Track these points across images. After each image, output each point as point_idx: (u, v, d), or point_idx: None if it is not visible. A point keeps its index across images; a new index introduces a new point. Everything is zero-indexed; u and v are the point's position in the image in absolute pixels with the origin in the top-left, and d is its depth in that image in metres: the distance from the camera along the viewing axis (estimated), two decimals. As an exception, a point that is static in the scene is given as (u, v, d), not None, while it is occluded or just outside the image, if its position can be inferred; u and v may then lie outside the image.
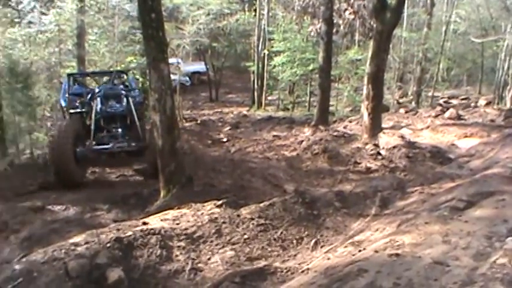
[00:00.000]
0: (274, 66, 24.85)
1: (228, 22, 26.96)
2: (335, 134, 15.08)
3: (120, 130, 12.10)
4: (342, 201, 7.38)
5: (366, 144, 13.80)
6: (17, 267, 5.73)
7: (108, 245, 5.81)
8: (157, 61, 9.09)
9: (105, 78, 15.26)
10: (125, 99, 12.37)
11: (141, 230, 6.11)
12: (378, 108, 13.88)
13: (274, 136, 17.09)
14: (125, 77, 14.60)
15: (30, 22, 22.72)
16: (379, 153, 13.23)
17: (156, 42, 9.07)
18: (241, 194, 9.89)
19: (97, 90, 12.69)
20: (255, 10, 26.99)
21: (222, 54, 32.22)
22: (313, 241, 6.20)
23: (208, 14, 24.33)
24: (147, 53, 9.35)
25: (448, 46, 26.24)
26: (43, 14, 23.46)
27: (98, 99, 12.20)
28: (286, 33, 23.94)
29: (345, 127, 16.78)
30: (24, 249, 8.72)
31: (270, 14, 26.61)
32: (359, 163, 12.98)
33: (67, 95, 12.96)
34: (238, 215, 6.54)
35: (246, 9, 28.70)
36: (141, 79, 21.52)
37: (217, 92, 31.29)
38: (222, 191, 10.09)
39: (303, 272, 5.28)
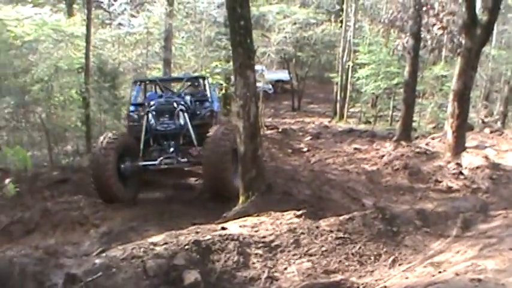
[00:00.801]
0: (358, 78, 24.68)
1: (314, 32, 27.01)
2: (417, 150, 14.80)
3: (171, 146, 11.52)
4: (423, 219, 7.23)
5: (449, 162, 13.49)
6: (97, 261, 5.91)
7: (187, 247, 5.92)
8: (244, 67, 9.22)
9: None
10: (181, 115, 11.64)
11: (220, 235, 6.20)
12: (462, 127, 13.56)
13: (355, 149, 16.95)
14: (202, 82, 13.59)
15: (120, 24, 23.53)
16: (461, 173, 12.91)
17: (244, 49, 9.19)
18: (320, 205, 9.87)
19: (152, 103, 11.96)
20: (341, 21, 26.92)
21: (306, 64, 32.28)
22: (391, 258, 6.12)
23: (295, 24, 24.47)
24: (234, 59, 9.47)
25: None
26: (133, 16, 24.25)
27: (150, 114, 11.57)
28: (371, 46, 23.75)
29: (427, 144, 16.45)
30: (103, 244, 9.04)
31: (356, 25, 26.45)
32: (440, 181, 12.71)
33: (131, 104, 13.00)
34: (317, 227, 6.52)
35: (332, 19, 28.59)
36: (224, 84, 21.86)
37: (299, 101, 31.37)
38: (300, 201, 10.09)
39: (379, 289, 5.23)
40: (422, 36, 15.26)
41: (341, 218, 6.85)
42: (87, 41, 15.95)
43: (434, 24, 15.24)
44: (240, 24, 9.08)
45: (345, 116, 26.40)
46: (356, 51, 25.24)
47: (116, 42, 21.40)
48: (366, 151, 16.52)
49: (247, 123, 9.42)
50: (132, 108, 13.02)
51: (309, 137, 19.93)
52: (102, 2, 24.73)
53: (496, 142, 16.67)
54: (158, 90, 13.78)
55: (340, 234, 6.42)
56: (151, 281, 5.46)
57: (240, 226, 6.75)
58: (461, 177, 12.77)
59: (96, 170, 10.51)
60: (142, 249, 5.93)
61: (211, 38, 22.22)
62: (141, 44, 21.38)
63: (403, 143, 15.54)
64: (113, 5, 24.56)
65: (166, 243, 6.05)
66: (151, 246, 5.99)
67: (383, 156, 14.90)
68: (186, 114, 11.66)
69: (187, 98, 12.64)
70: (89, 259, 6.38)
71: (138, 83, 13.86)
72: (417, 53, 15.19)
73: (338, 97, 26.95)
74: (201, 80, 13.82)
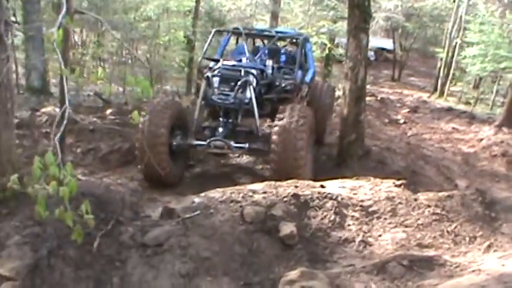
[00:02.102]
0: (465, 57, 23.88)
1: (425, 3, 26.31)
2: (519, 138, 14.35)
3: (225, 125, 9.64)
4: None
5: (553, 154, 13.01)
6: (196, 200, 6.14)
7: (285, 199, 6.05)
8: (358, 29, 9.23)
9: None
10: (247, 87, 9.65)
11: (319, 192, 6.29)
12: None
13: (452, 128, 16.61)
14: (301, 43, 11.20)
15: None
16: None
17: (361, 11, 9.18)
18: (412, 178, 9.80)
19: (216, 66, 10.11)
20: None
21: (412, 35, 31.54)
22: (487, 243, 6.01)
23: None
24: (349, 20, 9.46)
25: None
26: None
27: (209, 80, 9.70)
28: (483, 25, 22.83)
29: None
30: (196, 186, 9.33)
31: (471, 2, 25.49)
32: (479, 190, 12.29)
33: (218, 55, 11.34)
34: (416, 199, 6.48)
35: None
36: (328, 45, 21.70)
37: (400, 72, 30.89)
38: (394, 171, 10.07)
39: (473, 271, 5.15)
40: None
41: (440, 194, 6.76)
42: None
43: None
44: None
45: (445, 93, 25.73)
46: (466, 29, 24.38)
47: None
48: (464, 132, 16.14)
49: (354, 86, 9.45)
50: (211, 64, 10.84)
51: (407, 110, 19.63)
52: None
53: None
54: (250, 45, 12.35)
55: (438, 210, 6.35)
56: (247, 227, 5.63)
57: (339, 187, 6.80)
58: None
59: (146, 143, 8.61)
60: (241, 195, 6.11)
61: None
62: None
63: (505, 129, 15.04)
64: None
65: (265, 192, 6.21)
66: (250, 193, 6.17)
67: (482, 139, 14.54)
68: (252, 87, 9.69)
69: (269, 63, 10.91)
70: (187, 198, 6.62)
71: (224, 33, 12.49)
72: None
73: (440, 73, 26.27)
74: (300, 41, 11.36)
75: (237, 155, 10.94)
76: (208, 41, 11.36)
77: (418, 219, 6.15)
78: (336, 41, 23.63)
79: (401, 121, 17.16)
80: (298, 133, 8.71)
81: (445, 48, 26.22)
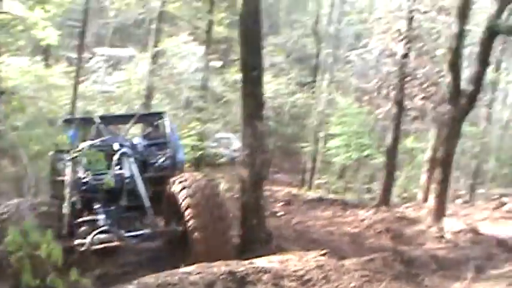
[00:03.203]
0: (329, 149, 25.18)
1: (285, 102, 27.66)
2: (397, 215, 15.13)
3: (107, 212, 8.26)
4: (437, 263, 7.49)
5: (430, 227, 13.79)
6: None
7: (222, 276, 5.98)
8: (252, 118, 9.44)
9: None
10: (125, 162, 8.72)
11: (253, 267, 6.30)
12: (444, 193, 13.98)
13: (332, 214, 17.17)
14: (161, 121, 10.51)
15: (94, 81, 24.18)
16: (442, 236, 13.21)
17: (255, 99, 9.45)
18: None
19: (81, 145, 8.24)
20: (313, 92, 27.68)
21: (275, 133, 32.74)
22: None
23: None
24: (243, 108, 9.67)
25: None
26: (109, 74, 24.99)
27: (76, 163, 8.38)
28: (343, 117, 24.39)
29: (402, 211, 16.84)
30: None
31: (330, 96, 27.19)
32: (423, 244, 12.98)
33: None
34: (343, 265, 6.68)
35: (304, 90, 29.20)
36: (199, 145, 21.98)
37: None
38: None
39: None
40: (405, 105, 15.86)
41: (362, 259, 7.03)
42: (75, 91, 16.11)
43: (416, 95, 15.88)
44: (252, 74, 9.36)
45: (313, 185, 26.73)
46: (327, 122, 25.86)
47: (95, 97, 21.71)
48: (343, 216, 16.74)
49: (252, 172, 9.59)
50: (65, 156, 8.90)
51: (281, 203, 20.05)
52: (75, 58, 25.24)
53: (469, 212, 17.17)
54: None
55: (366, 273, 6.58)
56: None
57: (269, 261, 6.85)
58: (443, 240, 13.07)
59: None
60: (176, 277, 5.97)
61: (189, 100, 22.54)
62: (120, 102, 21.66)
63: (383, 207, 15.86)
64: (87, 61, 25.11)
65: (200, 273, 6.09)
66: (186, 275, 6.03)
67: (363, 220, 15.13)
68: (131, 159, 8.72)
69: (137, 139, 10.05)
70: (119, 287, 6.37)
71: (70, 123, 10.54)
72: (399, 122, 15.76)
73: (307, 166, 27.38)
74: (158, 119, 10.66)
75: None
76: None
77: (350, 282, 6.32)
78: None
79: (280, 213, 17.50)
80: (221, 200, 7.96)
81: (309, 142, 27.48)
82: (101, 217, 8.06)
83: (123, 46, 30.68)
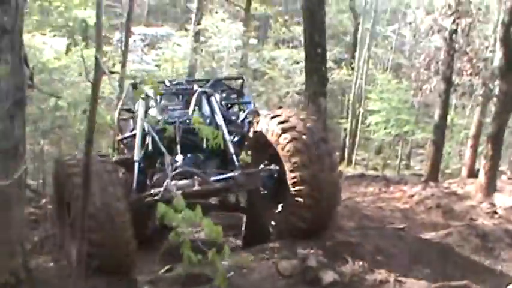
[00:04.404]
0: (369, 125, 25.24)
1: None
2: (446, 190, 15.18)
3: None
4: (511, 237, 7.59)
5: (481, 202, 13.81)
6: (225, 262, 6.11)
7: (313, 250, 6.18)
8: (317, 95, 9.57)
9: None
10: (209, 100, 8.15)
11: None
12: (495, 168, 13.99)
13: (379, 190, 17.26)
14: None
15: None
16: (495, 212, 13.24)
17: (319, 76, 9.57)
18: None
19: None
20: (352, 68, 27.66)
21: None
22: (499, 270, 6.44)
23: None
24: (307, 86, 9.80)
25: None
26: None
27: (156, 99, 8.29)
28: (382, 94, 24.40)
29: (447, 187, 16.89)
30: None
31: (368, 72, 27.21)
32: (475, 220, 13.04)
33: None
34: (425, 239, 6.84)
35: (343, 66, 29.20)
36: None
37: (305, 146, 31.72)
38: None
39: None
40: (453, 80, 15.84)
41: (440, 232, 7.17)
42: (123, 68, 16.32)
43: (466, 70, 15.84)
44: (316, 51, 9.46)
45: (353, 161, 26.84)
46: (367, 98, 25.90)
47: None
48: (389, 192, 16.83)
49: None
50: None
51: (324, 179, 20.18)
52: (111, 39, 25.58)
53: (516, 188, 17.11)
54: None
55: (445, 246, 6.72)
56: (288, 281, 5.71)
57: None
58: (496, 216, 13.11)
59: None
60: (267, 252, 6.17)
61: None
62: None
63: (432, 183, 15.92)
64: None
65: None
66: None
67: (413, 195, 15.19)
68: (214, 98, 8.22)
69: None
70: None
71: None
72: (448, 97, 15.75)
73: (346, 143, 27.46)
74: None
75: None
76: (124, 95, 10.47)
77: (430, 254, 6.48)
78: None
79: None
80: (325, 135, 7.23)
81: (348, 118, 27.51)
82: (179, 158, 7.14)
83: (159, 25, 30.88)
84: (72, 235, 6.51)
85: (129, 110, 9.20)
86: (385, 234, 7.09)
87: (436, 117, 16.13)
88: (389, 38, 32.03)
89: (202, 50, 22.48)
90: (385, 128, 24.05)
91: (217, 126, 7.52)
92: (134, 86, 8.95)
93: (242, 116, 8.62)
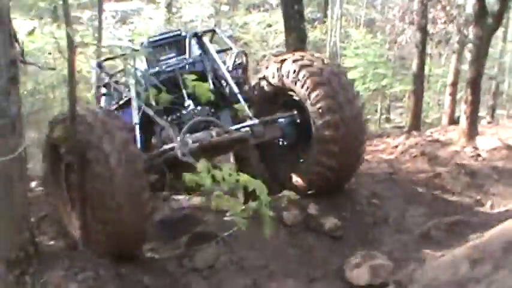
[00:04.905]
0: (347, 81, 25.35)
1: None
2: (429, 138, 15.41)
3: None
4: (498, 174, 7.86)
5: (464, 147, 14.06)
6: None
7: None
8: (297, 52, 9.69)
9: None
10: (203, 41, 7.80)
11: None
12: (475, 113, 14.23)
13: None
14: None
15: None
16: (479, 155, 13.51)
17: (298, 33, 9.69)
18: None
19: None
20: (325, 27, 27.69)
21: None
22: (489, 204, 6.69)
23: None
24: (287, 44, 9.92)
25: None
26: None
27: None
28: (357, 49, 24.50)
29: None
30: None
31: (342, 30, 27.26)
32: (461, 164, 13.33)
33: None
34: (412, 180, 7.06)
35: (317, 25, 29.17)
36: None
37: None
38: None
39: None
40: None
41: (429, 174, 7.39)
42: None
43: (440, 18, 16.01)
44: (294, 8, 9.55)
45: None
46: (343, 55, 25.98)
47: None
48: (373, 145, 17.06)
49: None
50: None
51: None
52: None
53: (496, 131, 17.42)
54: None
55: (437, 186, 6.96)
56: (291, 230, 5.95)
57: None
58: (480, 158, 13.40)
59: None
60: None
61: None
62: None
63: (415, 133, 16.17)
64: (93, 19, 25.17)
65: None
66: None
67: (397, 146, 15.44)
68: (206, 41, 7.94)
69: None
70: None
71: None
72: (424, 46, 15.93)
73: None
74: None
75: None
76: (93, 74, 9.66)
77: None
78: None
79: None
80: (348, 80, 7.07)
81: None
82: (188, 103, 6.89)
83: (129, 0, 30.61)
84: (73, 203, 6.37)
85: (106, 86, 8.69)
86: (378, 180, 7.29)
87: (414, 67, 16.33)
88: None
89: (175, 21, 22.41)
90: (363, 84, 24.20)
91: (215, 70, 7.39)
92: (99, 65, 8.77)
93: (230, 61, 8.06)
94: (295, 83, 6.72)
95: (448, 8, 15.91)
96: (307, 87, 6.57)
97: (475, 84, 13.95)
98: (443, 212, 6.45)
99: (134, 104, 6.70)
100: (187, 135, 6.05)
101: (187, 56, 7.58)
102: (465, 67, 17.60)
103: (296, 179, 6.94)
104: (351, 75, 24.48)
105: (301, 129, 7.00)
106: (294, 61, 6.86)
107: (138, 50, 7.24)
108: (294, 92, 6.89)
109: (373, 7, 31.46)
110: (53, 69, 15.58)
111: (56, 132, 6.24)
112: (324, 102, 6.51)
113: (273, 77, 7.13)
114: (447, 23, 15.98)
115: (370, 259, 5.24)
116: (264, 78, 7.34)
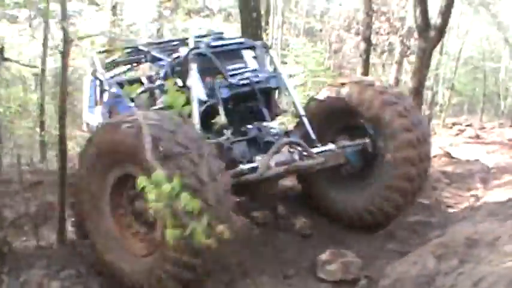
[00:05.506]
0: (287, 89, 25.63)
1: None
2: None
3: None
4: (448, 178, 8.36)
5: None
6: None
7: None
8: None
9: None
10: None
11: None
12: (417, 121, 14.82)
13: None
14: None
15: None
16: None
17: (255, 40, 9.88)
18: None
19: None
20: (267, 35, 27.98)
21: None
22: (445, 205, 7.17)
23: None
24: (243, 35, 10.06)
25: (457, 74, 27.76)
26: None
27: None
28: (298, 57, 24.85)
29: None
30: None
31: (283, 38, 27.62)
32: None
33: None
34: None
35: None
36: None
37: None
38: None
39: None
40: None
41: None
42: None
43: (384, 29, 16.55)
44: (252, 16, 9.76)
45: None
46: (283, 63, 26.27)
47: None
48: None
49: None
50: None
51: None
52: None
53: (433, 140, 18.11)
54: None
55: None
56: (263, 229, 6.13)
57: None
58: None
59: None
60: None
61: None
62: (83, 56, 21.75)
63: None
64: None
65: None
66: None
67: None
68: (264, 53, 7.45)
69: None
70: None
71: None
72: (368, 56, 16.44)
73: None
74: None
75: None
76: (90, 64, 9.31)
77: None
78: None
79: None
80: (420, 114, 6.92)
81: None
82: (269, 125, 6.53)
83: (69, 1, 30.13)
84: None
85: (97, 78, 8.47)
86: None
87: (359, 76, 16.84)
88: (300, 3, 32.59)
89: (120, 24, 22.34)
90: (303, 91, 24.52)
91: (282, 85, 7.07)
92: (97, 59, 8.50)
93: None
94: (379, 117, 6.57)
95: (391, 20, 16.48)
96: (396, 127, 6.44)
97: (417, 94, 14.48)
98: (404, 213, 6.81)
99: (196, 115, 6.19)
100: (269, 156, 5.74)
101: (257, 68, 7.07)
102: (404, 77, 18.30)
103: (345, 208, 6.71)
104: (291, 82, 24.89)
105: (364, 155, 6.81)
106: (379, 93, 6.70)
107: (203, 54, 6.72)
108: (357, 113, 6.78)
109: (313, 16, 31.99)
110: (35, 66, 15.47)
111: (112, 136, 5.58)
112: (399, 120, 6.44)
113: (347, 99, 6.92)
114: (390, 34, 16.55)
115: (341, 256, 5.52)
116: (321, 100, 7.20)
